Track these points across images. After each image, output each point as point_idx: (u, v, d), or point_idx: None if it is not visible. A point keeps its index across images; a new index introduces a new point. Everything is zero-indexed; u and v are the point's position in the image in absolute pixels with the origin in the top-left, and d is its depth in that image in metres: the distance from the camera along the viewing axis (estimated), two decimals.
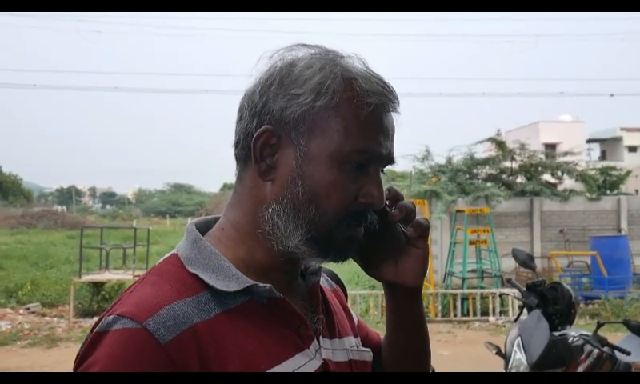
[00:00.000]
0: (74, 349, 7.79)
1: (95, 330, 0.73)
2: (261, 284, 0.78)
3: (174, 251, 0.83)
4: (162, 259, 0.83)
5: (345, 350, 0.91)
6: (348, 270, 14.08)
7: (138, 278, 0.82)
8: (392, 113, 0.82)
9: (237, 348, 0.75)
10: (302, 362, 0.80)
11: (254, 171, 0.81)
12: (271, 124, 0.79)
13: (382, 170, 0.83)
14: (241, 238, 0.83)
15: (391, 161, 0.83)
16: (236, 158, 0.85)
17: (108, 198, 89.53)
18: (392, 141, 0.82)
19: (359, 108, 0.78)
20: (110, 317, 0.72)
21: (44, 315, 10.12)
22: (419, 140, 15.38)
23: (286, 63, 0.80)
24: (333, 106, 0.77)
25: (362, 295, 10.02)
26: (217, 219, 0.89)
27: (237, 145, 0.84)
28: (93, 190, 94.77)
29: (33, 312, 10.34)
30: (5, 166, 51.03)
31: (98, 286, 10.30)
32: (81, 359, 0.73)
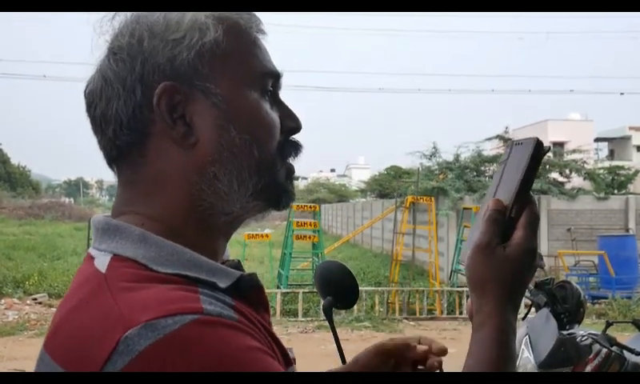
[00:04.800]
0: None
1: (125, 364, 0.52)
2: (245, 273, 0.67)
3: (113, 255, 0.64)
4: (97, 271, 0.64)
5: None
6: (354, 265, 14.11)
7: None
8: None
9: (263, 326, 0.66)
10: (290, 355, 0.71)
11: (164, 143, 0.66)
12: (164, 81, 0.65)
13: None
14: (173, 229, 0.66)
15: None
16: (119, 150, 0.68)
17: (115, 190, 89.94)
18: None
19: (248, 31, 0.70)
20: (136, 329, 0.53)
21: (51, 306, 10.18)
22: (427, 137, 15.43)
23: (141, 18, 0.68)
24: (221, 37, 0.67)
25: (368, 291, 10.01)
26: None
27: (118, 134, 0.66)
28: (100, 183, 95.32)
29: (40, 302, 10.42)
30: (14, 157, 51.37)
31: None
32: None
